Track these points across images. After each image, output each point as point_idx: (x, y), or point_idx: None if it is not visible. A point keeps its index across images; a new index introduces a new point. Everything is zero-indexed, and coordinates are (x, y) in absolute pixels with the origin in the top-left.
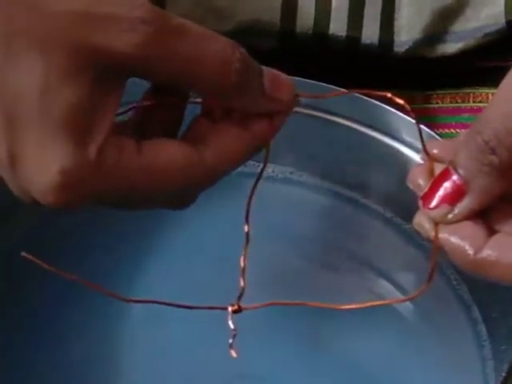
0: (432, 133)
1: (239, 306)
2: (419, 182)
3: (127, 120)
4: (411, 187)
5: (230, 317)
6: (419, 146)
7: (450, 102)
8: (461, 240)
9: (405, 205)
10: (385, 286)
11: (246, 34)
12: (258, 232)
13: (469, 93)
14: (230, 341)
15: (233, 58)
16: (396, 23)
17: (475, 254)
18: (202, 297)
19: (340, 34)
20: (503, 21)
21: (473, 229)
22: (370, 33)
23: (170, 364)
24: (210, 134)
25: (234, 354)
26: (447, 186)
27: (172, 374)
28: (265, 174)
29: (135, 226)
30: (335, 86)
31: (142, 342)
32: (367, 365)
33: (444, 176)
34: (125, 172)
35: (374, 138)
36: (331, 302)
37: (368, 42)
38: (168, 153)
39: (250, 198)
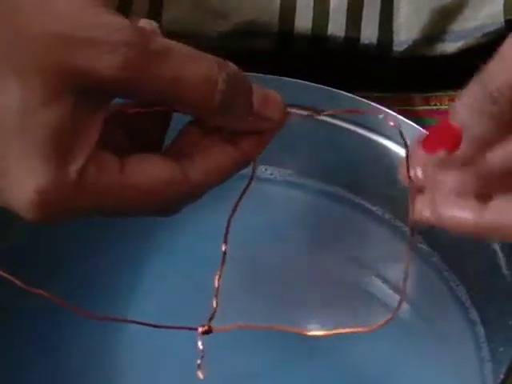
0: None
1: (209, 327)
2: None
3: (114, 131)
4: (400, 178)
5: (199, 338)
6: None
7: (449, 104)
8: (460, 209)
9: (403, 207)
10: (382, 288)
11: (245, 35)
12: (257, 232)
13: None
14: (199, 361)
15: (218, 78)
16: (395, 23)
17: (477, 218)
18: (203, 300)
19: (338, 34)
20: (502, 20)
21: (469, 199)
22: (369, 33)
23: (168, 365)
24: (197, 149)
25: (200, 375)
26: (445, 133)
27: (171, 375)
28: (264, 176)
29: (137, 228)
30: (334, 87)
31: (141, 342)
32: (365, 366)
33: (443, 125)
34: (106, 191)
35: (373, 141)
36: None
37: (367, 42)
38: (151, 171)
39: (231, 216)
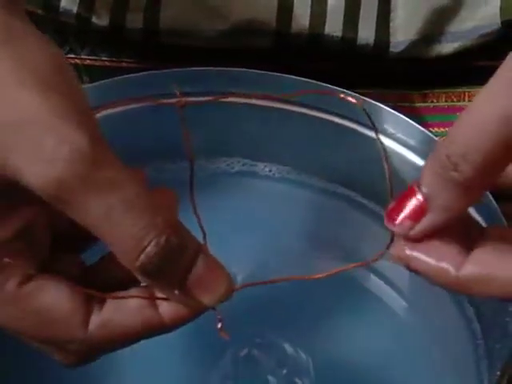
0: (427, 132)
1: None
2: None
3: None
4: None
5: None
6: (415, 145)
7: (446, 101)
8: (438, 260)
9: None
10: (378, 283)
11: (242, 34)
12: (258, 227)
13: (464, 92)
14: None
15: (152, 241)
16: (392, 24)
17: (457, 271)
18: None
19: (336, 34)
20: (498, 21)
21: (448, 247)
22: (366, 34)
23: (168, 365)
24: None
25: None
26: (411, 203)
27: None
28: (263, 173)
29: None
30: (330, 86)
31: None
32: (361, 363)
33: (409, 193)
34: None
35: (371, 138)
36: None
37: (364, 42)
38: (47, 301)
39: None
